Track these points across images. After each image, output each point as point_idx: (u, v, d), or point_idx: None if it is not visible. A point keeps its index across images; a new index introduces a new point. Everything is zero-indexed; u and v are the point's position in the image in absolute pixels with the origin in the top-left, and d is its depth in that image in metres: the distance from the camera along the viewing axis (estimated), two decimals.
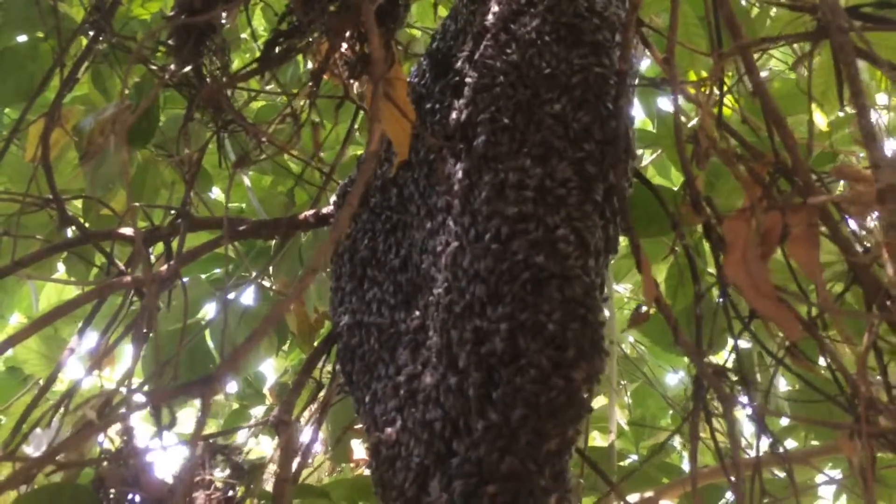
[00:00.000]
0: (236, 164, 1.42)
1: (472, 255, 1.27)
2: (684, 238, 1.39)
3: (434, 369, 1.27)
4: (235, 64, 2.46)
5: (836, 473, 2.33)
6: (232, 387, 3.71)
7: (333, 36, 1.19)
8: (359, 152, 2.58)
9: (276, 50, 1.27)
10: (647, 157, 2.40)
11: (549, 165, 1.27)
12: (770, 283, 1.03)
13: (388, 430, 1.30)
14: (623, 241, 1.43)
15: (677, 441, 3.12)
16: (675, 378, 3.88)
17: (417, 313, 1.39)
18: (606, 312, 1.30)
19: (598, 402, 3.41)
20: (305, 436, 1.94)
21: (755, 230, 1.11)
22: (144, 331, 1.72)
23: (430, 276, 1.39)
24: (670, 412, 3.36)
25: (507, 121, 1.34)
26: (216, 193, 3.01)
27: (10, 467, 1.59)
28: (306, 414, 2.21)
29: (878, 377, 1.20)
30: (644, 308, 1.14)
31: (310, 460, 2.63)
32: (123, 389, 1.69)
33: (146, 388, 1.76)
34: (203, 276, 2.47)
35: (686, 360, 3.71)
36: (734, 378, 1.24)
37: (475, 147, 1.35)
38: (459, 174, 1.37)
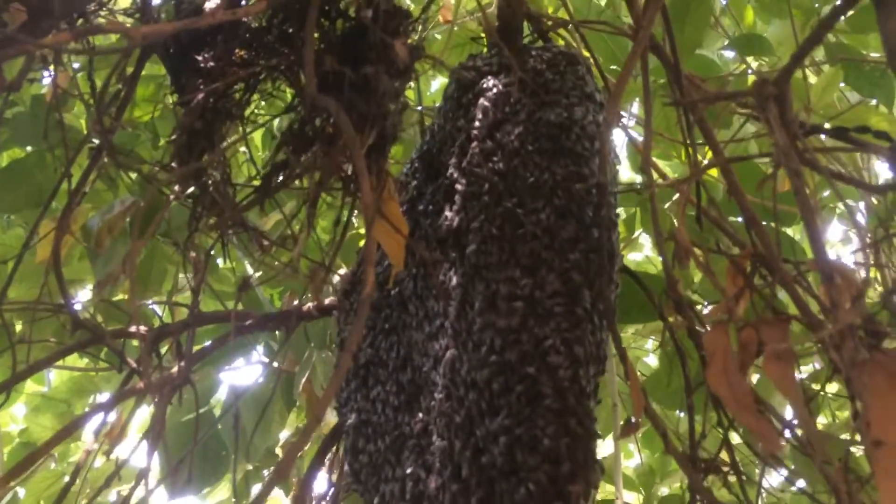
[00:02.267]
0: (240, 288, 1.49)
1: (468, 364, 1.34)
2: (672, 330, 1.45)
3: (438, 475, 1.33)
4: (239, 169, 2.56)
5: None
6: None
7: (325, 171, 1.26)
8: (361, 230, 2.66)
9: (274, 181, 1.34)
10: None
11: (539, 276, 1.33)
12: (750, 396, 1.09)
13: None
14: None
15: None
16: (684, 416, 3.92)
17: (420, 415, 1.44)
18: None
19: (606, 449, 3.46)
20: None
21: (734, 338, 1.17)
22: (158, 430, 1.79)
23: (431, 379, 1.45)
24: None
25: (495, 231, 1.41)
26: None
27: None
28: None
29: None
30: (633, 419, 1.20)
31: None
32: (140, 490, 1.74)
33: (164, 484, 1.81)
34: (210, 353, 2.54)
35: None
36: (728, 471, 1.29)
37: (468, 256, 1.42)
38: (454, 282, 1.44)
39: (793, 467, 1.34)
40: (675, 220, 1.42)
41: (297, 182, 1.38)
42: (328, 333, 2.38)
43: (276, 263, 1.79)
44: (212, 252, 1.87)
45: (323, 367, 2.30)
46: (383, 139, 1.28)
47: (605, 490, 3.31)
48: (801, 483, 1.67)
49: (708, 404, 1.35)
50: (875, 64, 1.93)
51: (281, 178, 1.34)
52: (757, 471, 1.35)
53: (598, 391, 1.31)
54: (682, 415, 2.71)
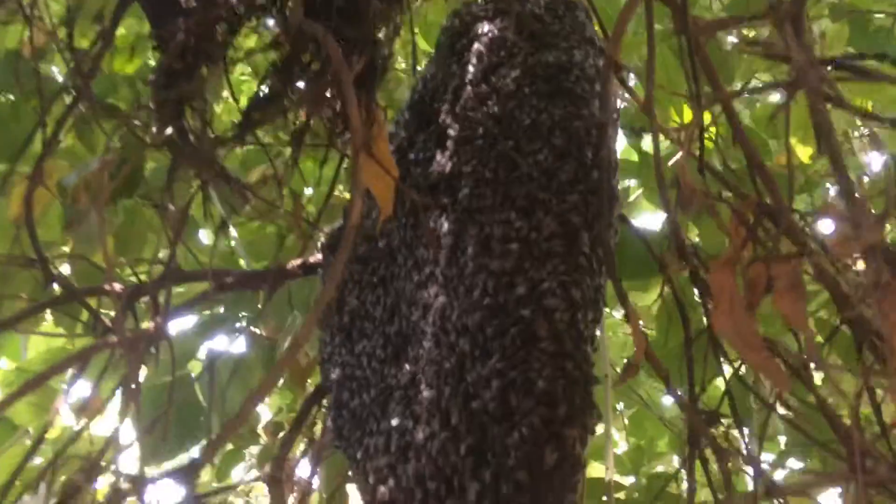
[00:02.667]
0: (220, 227, 1.42)
1: (459, 309, 1.27)
2: (672, 283, 1.40)
3: (426, 425, 1.26)
4: (218, 110, 2.47)
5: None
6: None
7: (311, 105, 1.19)
8: (346, 194, 2.59)
9: (257, 116, 1.27)
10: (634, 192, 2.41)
11: (535, 218, 1.27)
12: (757, 335, 1.03)
13: (382, 488, 1.29)
14: None
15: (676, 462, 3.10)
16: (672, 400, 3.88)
17: (408, 367, 1.38)
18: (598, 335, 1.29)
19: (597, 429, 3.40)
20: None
21: (740, 280, 1.12)
22: (133, 388, 1.71)
23: (420, 328, 1.39)
24: (668, 434, 3.35)
25: (489, 174, 1.35)
26: (203, 235, 3.01)
27: None
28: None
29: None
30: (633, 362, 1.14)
31: None
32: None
33: (135, 444, 1.74)
34: (191, 321, 2.46)
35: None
36: (728, 421, 1.24)
37: (459, 201, 1.36)
38: (445, 228, 1.37)
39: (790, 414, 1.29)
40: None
41: (281, 135, 1.32)
42: (312, 298, 2.31)
43: (257, 205, 1.71)
44: (190, 206, 1.80)
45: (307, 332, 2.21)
46: (373, 70, 1.21)
47: (595, 470, 3.27)
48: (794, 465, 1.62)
49: (708, 357, 1.29)
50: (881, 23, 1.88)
51: (263, 113, 1.27)
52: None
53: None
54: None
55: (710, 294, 1.17)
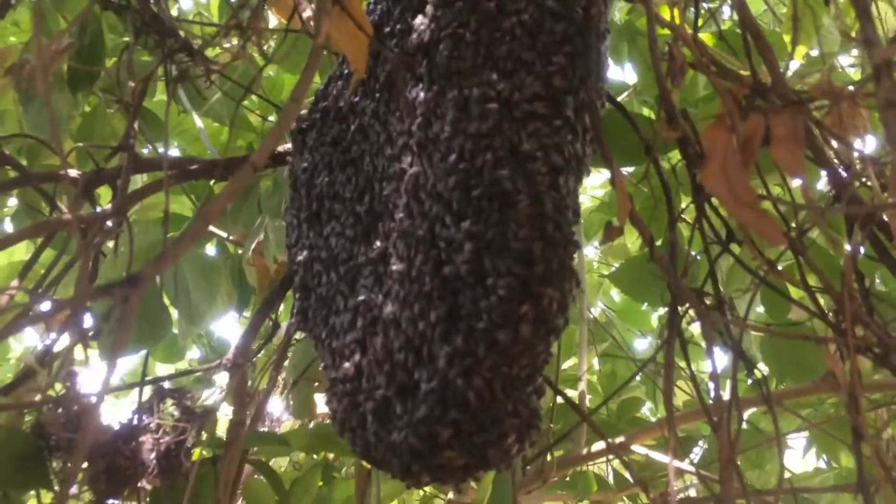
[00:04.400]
0: (177, 77, 1.32)
1: (433, 175, 1.19)
2: (658, 162, 1.32)
3: (396, 297, 1.19)
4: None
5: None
6: (195, 353, 3.61)
7: None
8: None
9: None
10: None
11: (517, 79, 1.19)
12: (751, 192, 0.97)
13: (347, 364, 1.22)
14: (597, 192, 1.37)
15: (644, 394, 3.08)
16: (644, 343, 3.86)
17: (378, 243, 1.31)
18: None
19: (569, 362, 3.37)
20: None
21: (735, 140, 1.04)
22: (91, 273, 1.62)
23: (392, 202, 1.31)
24: (639, 377, 3.33)
25: (470, 36, 1.26)
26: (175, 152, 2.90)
27: None
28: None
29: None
30: (617, 223, 1.07)
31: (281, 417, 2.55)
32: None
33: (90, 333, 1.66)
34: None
35: (655, 323, 3.69)
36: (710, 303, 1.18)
37: (437, 64, 1.27)
38: (421, 95, 1.29)
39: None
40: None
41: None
42: (282, 201, 2.22)
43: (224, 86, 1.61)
44: (149, 82, 1.69)
45: (275, 235, 2.13)
46: None
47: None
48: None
49: (695, 234, 1.23)
50: None
51: None
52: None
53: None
54: None
55: (700, 161, 1.10)
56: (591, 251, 3.76)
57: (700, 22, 1.37)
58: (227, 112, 2.50)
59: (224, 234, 2.30)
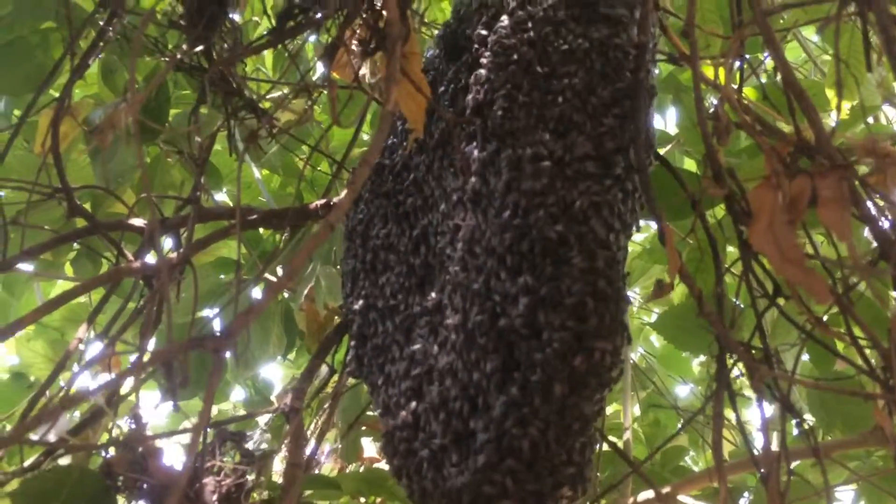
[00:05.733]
0: (247, 139, 1.40)
1: (489, 231, 1.25)
2: (705, 217, 1.36)
3: (451, 348, 1.24)
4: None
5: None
6: (239, 394, 3.68)
7: (349, 6, 1.17)
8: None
9: (290, 23, 1.25)
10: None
11: (569, 140, 1.24)
12: (798, 249, 1.00)
13: (403, 413, 1.27)
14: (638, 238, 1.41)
15: (687, 443, 3.06)
16: (685, 389, 3.84)
17: (433, 294, 1.36)
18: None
19: (612, 409, 3.37)
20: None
21: (781, 199, 1.08)
22: (155, 317, 1.70)
23: (446, 255, 1.36)
24: (680, 422, 3.31)
25: (523, 97, 1.32)
26: (224, 196, 3.01)
27: (18, 453, 1.56)
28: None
29: None
30: (668, 280, 1.11)
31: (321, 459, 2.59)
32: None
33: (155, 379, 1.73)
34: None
35: (696, 370, 3.68)
36: (757, 355, 1.21)
37: (491, 123, 1.33)
38: (475, 152, 1.35)
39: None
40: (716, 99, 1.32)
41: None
42: (333, 249, 2.29)
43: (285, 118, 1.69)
44: (215, 138, 1.79)
45: (327, 281, 2.20)
46: None
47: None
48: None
49: (741, 287, 1.26)
50: None
51: (296, 21, 1.25)
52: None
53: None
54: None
55: (747, 218, 1.14)
56: (630, 295, 3.77)
57: (740, 78, 1.41)
58: (280, 162, 2.61)
59: (274, 279, 2.37)
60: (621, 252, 1.20)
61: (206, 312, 2.33)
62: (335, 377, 1.67)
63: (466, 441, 1.15)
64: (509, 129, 1.30)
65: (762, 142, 1.13)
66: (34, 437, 1.42)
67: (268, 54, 2.93)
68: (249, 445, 1.47)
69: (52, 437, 1.51)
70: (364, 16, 1.15)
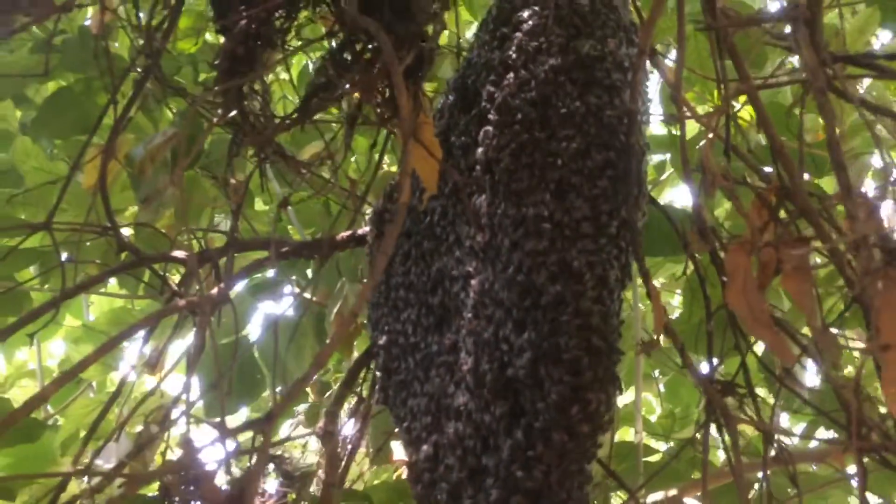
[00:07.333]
0: (281, 204, 1.55)
1: (497, 285, 1.39)
2: (694, 260, 1.49)
3: (466, 388, 1.39)
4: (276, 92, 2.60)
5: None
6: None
7: (364, 91, 1.31)
8: (392, 167, 2.71)
9: (314, 101, 1.39)
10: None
11: (567, 201, 1.37)
12: (767, 313, 1.13)
13: (425, 447, 1.43)
14: None
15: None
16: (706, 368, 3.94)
17: (449, 335, 1.51)
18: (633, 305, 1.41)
19: (628, 396, 3.50)
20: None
21: (755, 261, 1.21)
22: (199, 347, 1.87)
23: (461, 300, 1.51)
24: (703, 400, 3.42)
25: (526, 158, 1.45)
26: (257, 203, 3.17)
27: (82, 481, 1.75)
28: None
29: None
30: (654, 336, 1.25)
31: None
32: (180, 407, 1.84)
33: (202, 400, 1.91)
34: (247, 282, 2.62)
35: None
36: (742, 392, 1.34)
37: (498, 182, 1.46)
38: (483, 207, 1.49)
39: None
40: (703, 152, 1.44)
41: (334, 112, 1.43)
42: (360, 268, 2.45)
43: (313, 179, 1.84)
44: (250, 181, 1.94)
45: (354, 298, 2.36)
46: (420, 62, 1.32)
47: (627, 434, 3.37)
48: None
49: (727, 331, 1.39)
50: None
51: (320, 98, 1.39)
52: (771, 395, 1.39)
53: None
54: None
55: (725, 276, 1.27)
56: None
57: (727, 133, 1.53)
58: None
59: (309, 296, 2.54)
60: (615, 303, 1.33)
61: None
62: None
63: (481, 475, 1.30)
64: (514, 189, 1.43)
65: (739, 207, 1.26)
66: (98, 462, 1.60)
67: (294, 73, 3.07)
68: (289, 467, 1.64)
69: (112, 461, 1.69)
70: (378, 95, 1.29)
